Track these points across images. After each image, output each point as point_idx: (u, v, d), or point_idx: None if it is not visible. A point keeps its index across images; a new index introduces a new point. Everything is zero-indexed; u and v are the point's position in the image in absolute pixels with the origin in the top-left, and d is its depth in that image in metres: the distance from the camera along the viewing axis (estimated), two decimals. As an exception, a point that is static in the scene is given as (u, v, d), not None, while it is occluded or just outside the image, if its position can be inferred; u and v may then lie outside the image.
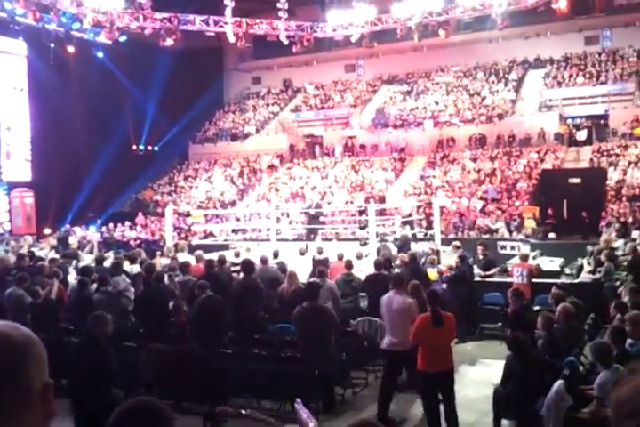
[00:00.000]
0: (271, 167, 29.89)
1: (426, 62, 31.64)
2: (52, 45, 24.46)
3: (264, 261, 10.56)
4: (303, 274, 10.71)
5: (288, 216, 23.21)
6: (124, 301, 8.81)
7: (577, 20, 28.73)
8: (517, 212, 21.02)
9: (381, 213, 19.02)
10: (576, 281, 11.48)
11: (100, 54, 26.88)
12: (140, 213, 25.94)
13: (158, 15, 24.86)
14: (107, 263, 11.71)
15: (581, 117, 27.07)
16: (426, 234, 18.63)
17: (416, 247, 14.43)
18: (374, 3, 26.17)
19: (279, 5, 24.65)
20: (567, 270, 12.79)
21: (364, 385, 8.50)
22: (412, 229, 17.93)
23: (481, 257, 12.14)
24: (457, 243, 12.77)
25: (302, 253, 12.87)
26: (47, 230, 23.08)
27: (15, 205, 25.39)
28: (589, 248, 13.11)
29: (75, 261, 13.26)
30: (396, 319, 7.42)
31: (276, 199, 25.32)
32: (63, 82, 25.42)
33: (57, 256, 13.63)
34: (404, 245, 14.37)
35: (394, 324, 7.45)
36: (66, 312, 9.65)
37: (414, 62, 31.76)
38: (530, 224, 19.44)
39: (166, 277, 10.21)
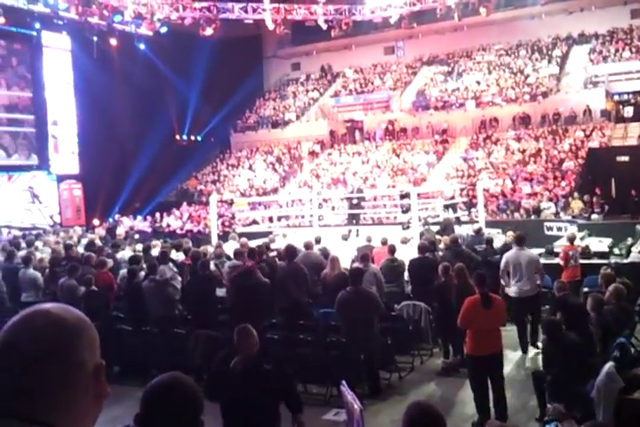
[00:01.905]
0: (312, 153, 29.90)
1: (467, 42, 31.08)
2: (95, 39, 24.92)
3: (307, 246, 10.61)
4: (346, 259, 10.72)
5: (330, 202, 23.24)
6: (170, 289, 8.97)
7: (622, -7, 27.80)
8: (563, 192, 20.60)
9: (424, 196, 18.88)
10: (626, 261, 11.24)
11: (141, 46, 27.22)
12: (184, 203, 26.33)
13: (197, 5, 25.07)
14: (154, 252, 11.96)
15: (628, 93, 26.22)
16: (470, 215, 18.43)
17: (460, 230, 14.31)
18: (412, -17, 25.78)
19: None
20: (616, 251, 12.52)
21: (410, 370, 8.52)
22: (455, 212, 17.74)
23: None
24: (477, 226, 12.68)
25: (345, 239, 12.88)
26: (96, 221, 23.65)
27: (64, 198, 26.06)
28: (639, 227, 12.79)
29: (122, 251, 13.56)
30: (525, 270, 9.20)
31: (318, 185, 25.36)
32: (107, 74, 25.84)
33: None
34: (446, 228, 14.25)
35: (523, 274, 9.20)
36: (116, 301, 9.91)
37: (455, 42, 31.23)
38: (576, 204, 19.04)
39: (212, 264, 10.38)
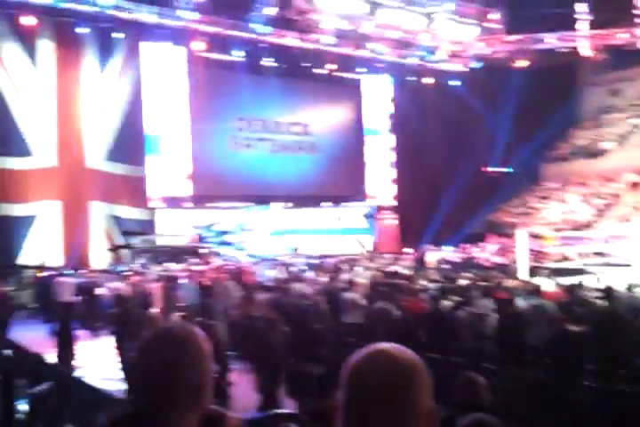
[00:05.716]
0: (633, 185, 27.58)
1: None
2: (412, 78, 26.56)
3: (630, 288, 9.95)
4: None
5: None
6: (483, 324, 9.06)
7: None
8: None
9: None
10: None
11: (455, 82, 28.15)
12: (491, 235, 26.19)
13: (511, 38, 25.17)
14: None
15: None
16: None
17: None
18: None
19: (636, 12, 22.91)
20: None
21: None
22: None
23: None
24: None
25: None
26: (407, 249, 24.85)
27: (381, 226, 28.12)
28: None
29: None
30: None
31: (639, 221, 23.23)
32: (420, 110, 27.24)
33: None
34: None
35: None
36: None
37: None
38: None
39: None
